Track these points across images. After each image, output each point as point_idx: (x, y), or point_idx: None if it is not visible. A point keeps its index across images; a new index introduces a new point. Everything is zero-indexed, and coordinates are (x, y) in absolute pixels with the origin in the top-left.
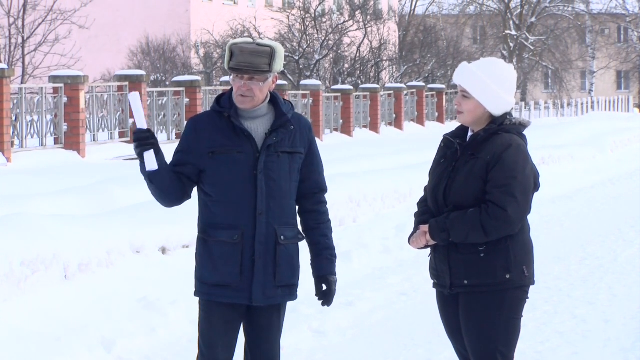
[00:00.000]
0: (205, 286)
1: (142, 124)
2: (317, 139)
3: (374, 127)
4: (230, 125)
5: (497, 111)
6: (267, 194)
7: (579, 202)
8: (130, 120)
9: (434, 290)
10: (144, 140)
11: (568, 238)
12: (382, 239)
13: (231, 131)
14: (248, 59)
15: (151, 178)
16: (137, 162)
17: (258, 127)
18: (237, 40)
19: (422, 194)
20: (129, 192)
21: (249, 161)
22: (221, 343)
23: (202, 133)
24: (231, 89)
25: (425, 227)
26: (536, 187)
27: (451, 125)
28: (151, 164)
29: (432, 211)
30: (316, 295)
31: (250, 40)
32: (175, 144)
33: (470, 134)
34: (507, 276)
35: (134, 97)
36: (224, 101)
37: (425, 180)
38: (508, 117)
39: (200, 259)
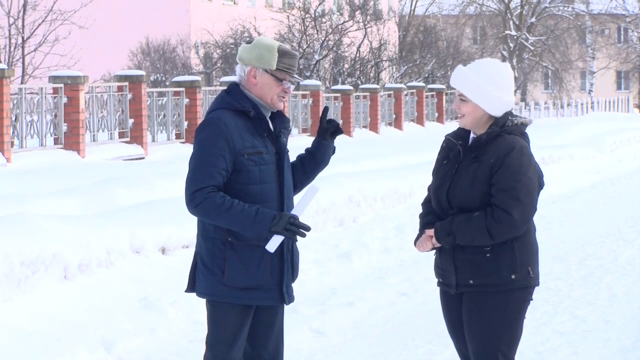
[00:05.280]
0: (235, 290)
1: (299, 212)
2: None
3: (373, 127)
4: (253, 125)
5: (496, 112)
6: (286, 194)
7: (579, 202)
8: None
9: (435, 290)
10: (296, 231)
11: (568, 238)
12: (382, 239)
13: (256, 131)
14: (296, 64)
15: (249, 238)
16: (233, 211)
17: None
18: (279, 43)
19: (423, 193)
20: (129, 192)
21: (273, 162)
22: (237, 343)
23: (234, 133)
24: (236, 85)
25: (430, 232)
26: (540, 186)
27: (451, 126)
28: (272, 246)
29: (436, 212)
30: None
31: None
32: (174, 145)
33: (472, 135)
34: (513, 276)
35: (313, 190)
36: (244, 100)
37: (425, 180)
38: (510, 117)
39: (227, 263)
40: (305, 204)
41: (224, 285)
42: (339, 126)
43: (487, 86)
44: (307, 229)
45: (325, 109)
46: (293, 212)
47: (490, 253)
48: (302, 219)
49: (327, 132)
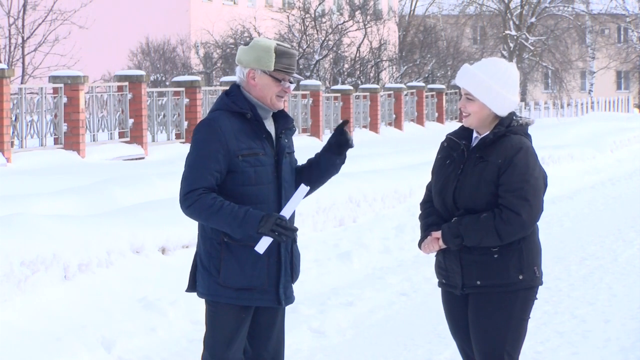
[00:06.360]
0: (230, 290)
1: (287, 213)
2: (316, 138)
3: (373, 127)
4: (251, 127)
5: (502, 112)
6: (284, 196)
7: (579, 202)
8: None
9: (434, 289)
10: (283, 232)
11: (568, 238)
12: (382, 239)
13: (253, 132)
14: (295, 62)
15: (239, 239)
16: (228, 212)
17: (270, 129)
18: (276, 42)
19: (422, 193)
20: (129, 192)
21: (270, 163)
22: (235, 344)
23: (228, 135)
24: (236, 87)
25: (437, 234)
26: (545, 186)
27: (451, 126)
28: (261, 247)
29: (439, 213)
30: (336, 141)
31: (283, 43)
32: (174, 145)
33: (475, 135)
34: (520, 277)
35: (302, 191)
36: (241, 101)
37: (425, 180)
38: (514, 117)
39: (222, 263)
40: (294, 205)
41: (220, 285)
42: (349, 141)
43: (494, 85)
44: (294, 230)
45: (345, 122)
46: (282, 213)
47: (498, 254)
48: (298, 219)
49: (335, 145)
